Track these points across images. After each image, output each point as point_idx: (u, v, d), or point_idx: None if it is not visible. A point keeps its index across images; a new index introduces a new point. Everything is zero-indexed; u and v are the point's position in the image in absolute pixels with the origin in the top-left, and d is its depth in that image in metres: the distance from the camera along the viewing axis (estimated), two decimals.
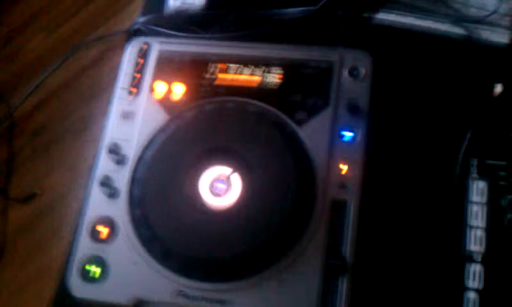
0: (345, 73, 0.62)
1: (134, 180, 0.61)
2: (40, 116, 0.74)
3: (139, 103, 0.64)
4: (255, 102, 0.62)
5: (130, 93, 0.65)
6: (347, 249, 0.55)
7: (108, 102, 0.67)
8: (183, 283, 0.56)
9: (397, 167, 0.59)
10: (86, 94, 0.74)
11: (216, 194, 0.58)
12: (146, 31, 0.71)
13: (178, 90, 0.64)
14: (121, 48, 0.70)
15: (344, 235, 0.55)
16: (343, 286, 0.54)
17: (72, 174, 0.69)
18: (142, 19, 0.73)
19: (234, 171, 0.58)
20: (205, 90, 0.64)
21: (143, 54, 0.67)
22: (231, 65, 0.65)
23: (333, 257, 0.54)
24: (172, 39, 0.68)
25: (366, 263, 0.55)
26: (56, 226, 0.66)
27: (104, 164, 0.62)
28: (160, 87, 0.65)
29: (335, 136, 0.59)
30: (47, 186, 0.69)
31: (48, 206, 0.68)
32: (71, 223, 0.64)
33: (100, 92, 0.72)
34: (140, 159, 0.62)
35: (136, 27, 0.72)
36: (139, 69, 0.66)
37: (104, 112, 0.67)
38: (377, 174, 0.58)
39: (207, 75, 0.65)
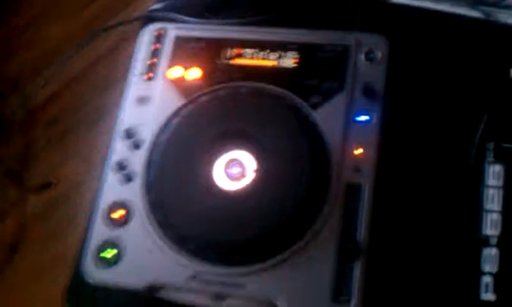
0: (361, 56, 0.61)
1: (149, 164, 0.61)
2: (54, 106, 0.75)
3: (155, 88, 0.65)
4: (270, 86, 0.62)
5: (147, 78, 0.65)
6: (362, 233, 0.54)
7: (122, 92, 0.67)
8: (197, 267, 0.56)
9: (413, 151, 0.58)
10: (101, 85, 0.75)
11: (231, 178, 0.58)
12: (161, 17, 0.71)
13: (194, 74, 0.64)
14: (137, 36, 0.71)
15: (358, 218, 0.55)
16: (357, 271, 0.53)
17: (86, 164, 0.69)
18: (157, 5, 0.73)
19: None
20: (220, 74, 0.64)
21: (160, 39, 0.67)
22: (246, 50, 0.64)
23: (347, 241, 0.54)
24: (188, 25, 0.68)
25: (380, 247, 0.55)
26: (71, 214, 0.67)
27: (119, 149, 0.63)
28: (177, 72, 0.65)
29: (350, 119, 0.59)
30: (62, 175, 0.70)
31: (64, 195, 0.69)
32: (86, 212, 0.64)
33: (114, 82, 0.73)
34: (156, 142, 0.62)
35: (152, 13, 0.73)
36: (156, 54, 0.66)
37: (118, 103, 0.66)
38: (392, 158, 0.57)
39: (222, 60, 0.65)
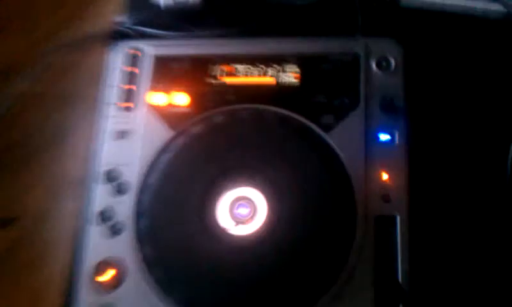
0: (373, 65, 0.54)
1: (139, 211, 0.52)
2: (11, 128, 0.64)
3: (136, 119, 0.55)
4: (272, 107, 0.54)
5: (125, 107, 0.56)
6: (401, 272, 0.47)
7: (85, 110, 0.60)
8: None
9: (444, 169, 0.51)
10: (60, 104, 0.65)
11: (239, 220, 0.50)
12: (130, 33, 0.62)
13: (181, 101, 0.55)
14: (100, 51, 0.61)
15: (395, 256, 0.48)
16: None
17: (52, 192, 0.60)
18: (125, 18, 0.63)
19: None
20: (211, 98, 0.55)
21: (135, 61, 0.57)
22: (238, 66, 0.56)
23: (386, 285, 0.47)
24: (167, 42, 0.59)
25: (423, 285, 0.48)
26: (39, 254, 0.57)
27: (100, 195, 0.53)
28: (160, 99, 0.56)
29: (370, 140, 0.51)
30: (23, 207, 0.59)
31: (28, 231, 0.58)
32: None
33: (76, 100, 0.64)
34: (144, 185, 0.53)
35: (119, 27, 0.63)
36: (133, 78, 0.57)
37: (81, 123, 0.60)
38: (422, 179, 0.50)
39: (212, 81, 0.56)
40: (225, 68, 0.56)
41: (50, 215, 0.59)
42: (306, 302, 0.47)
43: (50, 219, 0.59)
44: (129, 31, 0.62)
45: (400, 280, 0.47)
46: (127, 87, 0.56)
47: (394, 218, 0.49)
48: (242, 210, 0.50)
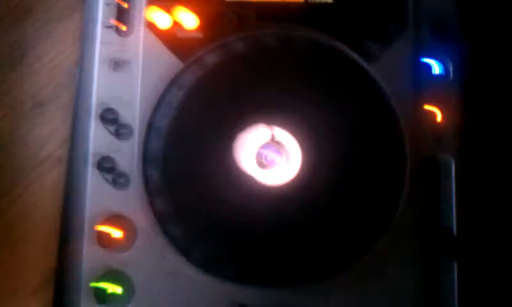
0: None
1: (147, 159, 0.44)
2: None
3: (134, 46, 0.45)
4: (303, 30, 0.44)
5: (121, 31, 0.45)
6: (453, 223, 0.42)
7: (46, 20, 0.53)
8: (241, 294, 0.41)
9: (504, 108, 0.45)
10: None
11: (268, 166, 0.42)
12: None
13: (189, 22, 0.45)
14: None
15: (446, 203, 0.42)
16: (452, 269, 0.41)
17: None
18: None
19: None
20: (227, 19, 0.45)
21: None
22: None
23: (437, 234, 0.41)
24: None
25: (474, 237, 0.43)
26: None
27: (98, 140, 0.44)
28: (162, 20, 0.45)
29: (420, 71, 0.44)
30: None
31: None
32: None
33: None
34: (151, 127, 0.44)
35: None
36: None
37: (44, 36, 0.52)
38: (479, 121, 0.44)
39: None
40: None
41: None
42: (350, 256, 0.41)
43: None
44: None
45: (454, 230, 0.42)
46: (119, 3, 0.46)
47: (445, 160, 0.42)
48: (272, 156, 0.42)
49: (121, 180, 0.43)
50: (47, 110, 0.55)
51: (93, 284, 0.42)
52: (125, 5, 0.45)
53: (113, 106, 0.44)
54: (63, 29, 0.57)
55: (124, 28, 0.45)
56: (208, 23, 0.45)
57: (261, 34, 0.44)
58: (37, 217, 0.51)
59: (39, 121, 0.54)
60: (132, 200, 0.43)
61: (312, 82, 0.43)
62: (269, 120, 0.42)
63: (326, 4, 0.45)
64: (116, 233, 0.42)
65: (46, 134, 0.54)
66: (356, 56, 0.43)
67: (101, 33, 0.45)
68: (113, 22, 0.45)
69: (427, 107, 0.43)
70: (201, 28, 0.45)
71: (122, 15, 0.45)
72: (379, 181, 0.42)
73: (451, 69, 0.43)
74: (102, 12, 0.45)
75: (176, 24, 0.45)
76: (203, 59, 0.44)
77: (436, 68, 0.43)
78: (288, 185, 0.42)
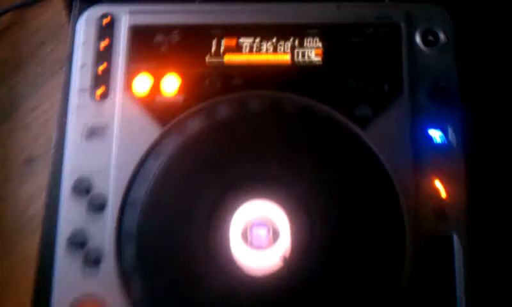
0: (418, 39, 0.42)
1: (121, 235, 0.40)
2: None
3: (110, 111, 0.42)
4: (290, 95, 0.42)
5: (98, 96, 0.42)
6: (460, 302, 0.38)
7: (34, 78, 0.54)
8: None
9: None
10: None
11: (255, 247, 0.39)
12: None
13: (170, 85, 0.42)
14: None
15: (452, 282, 0.38)
16: None
17: None
18: None
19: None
20: (209, 82, 0.42)
21: (106, 31, 0.44)
22: (243, 40, 0.43)
23: None
24: (149, 6, 0.45)
25: None
26: None
27: (69, 213, 0.41)
28: (142, 83, 0.42)
29: (418, 139, 0.40)
30: None
31: None
32: None
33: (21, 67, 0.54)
34: (127, 199, 0.40)
35: None
36: (105, 55, 0.43)
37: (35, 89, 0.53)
38: (484, 191, 0.40)
39: (210, 59, 0.43)
40: (225, 41, 0.43)
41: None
42: None
43: None
44: None
45: None
46: (98, 68, 0.43)
47: (450, 238, 0.39)
48: (260, 234, 0.39)
49: (93, 257, 0.39)
50: (36, 165, 0.53)
51: None
52: (101, 67, 0.43)
53: (87, 175, 0.41)
54: (54, 82, 0.56)
55: (100, 92, 0.42)
56: (190, 86, 0.42)
57: (246, 98, 0.41)
58: (19, 282, 0.48)
59: (28, 177, 0.52)
60: (104, 281, 0.39)
61: (302, 152, 0.40)
62: (257, 193, 0.39)
63: (315, 66, 0.42)
64: None
65: (34, 192, 0.52)
66: (348, 122, 0.40)
67: (75, 97, 0.42)
68: (88, 85, 0.42)
69: (428, 179, 0.39)
70: (182, 91, 0.42)
71: (98, 77, 0.43)
72: (376, 262, 0.38)
73: (450, 133, 0.40)
74: (76, 74, 0.43)
75: (155, 87, 0.42)
76: (184, 124, 0.41)
77: (437, 136, 0.40)
78: (278, 270, 0.38)
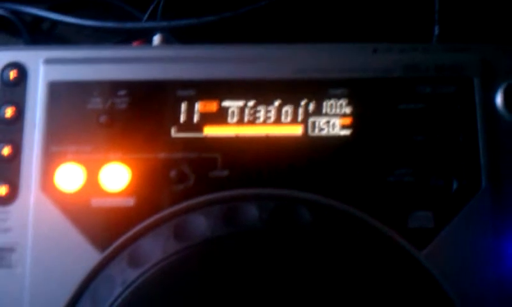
0: (499, 101, 0.27)
1: None
2: None
3: (19, 219, 0.26)
4: (307, 195, 0.26)
5: (3, 199, 0.27)
6: None
7: None
8: None
9: None
10: None
11: None
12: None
13: (113, 180, 0.27)
14: None
15: None
16: None
17: None
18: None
19: None
20: (177, 173, 0.27)
21: (15, 93, 0.28)
22: (228, 103, 0.28)
23: None
24: (79, 50, 0.28)
25: None
26: None
27: None
28: (70, 177, 0.27)
29: (505, 263, 0.25)
30: None
31: None
32: None
33: None
34: None
35: None
36: (11, 131, 0.27)
37: None
38: None
39: (177, 133, 0.27)
40: (200, 104, 0.28)
41: None
42: None
43: None
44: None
45: None
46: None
47: None
48: None
49: None
50: None
51: None
52: (5, 150, 0.27)
53: None
54: None
55: (4, 191, 0.27)
56: (145, 181, 0.27)
57: (239, 204, 0.25)
58: None
59: None
60: None
61: (328, 292, 0.25)
62: None
63: (341, 141, 0.27)
64: None
65: None
66: (398, 238, 0.25)
67: None
68: None
69: None
70: (130, 191, 0.26)
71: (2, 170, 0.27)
72: None
73: None
74: None
75: (90, 184, 0.27)
76: (132, 249, 0.25)
77: None
78: None
